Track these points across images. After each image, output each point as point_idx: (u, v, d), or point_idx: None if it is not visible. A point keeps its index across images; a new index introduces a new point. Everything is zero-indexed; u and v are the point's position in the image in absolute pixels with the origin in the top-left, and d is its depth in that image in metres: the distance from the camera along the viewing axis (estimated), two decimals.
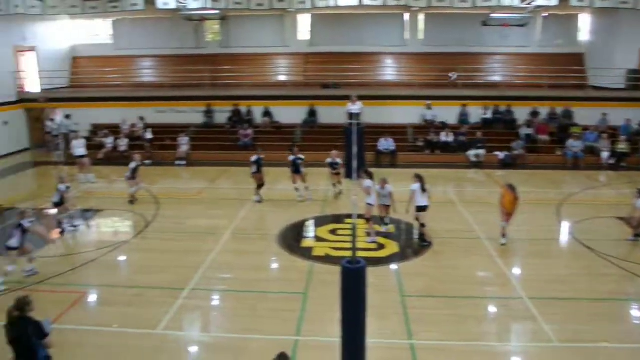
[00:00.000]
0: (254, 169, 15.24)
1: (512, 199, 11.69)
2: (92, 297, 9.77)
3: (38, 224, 11.01)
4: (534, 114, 22.30)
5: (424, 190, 11.97)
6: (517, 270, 10.91)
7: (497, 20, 21.18)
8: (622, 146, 20.25)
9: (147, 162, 19.48)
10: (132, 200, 15.28)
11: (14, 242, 10.07)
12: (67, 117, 22.75)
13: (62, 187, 13.06)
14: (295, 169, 15.59)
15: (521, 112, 22.48)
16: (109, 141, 21.47)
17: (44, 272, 10.56)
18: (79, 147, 18.07)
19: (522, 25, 21.68)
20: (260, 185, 15.40)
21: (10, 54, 23.26)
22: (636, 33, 22.21)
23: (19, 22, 22.58)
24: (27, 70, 24.41)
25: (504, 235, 11.93)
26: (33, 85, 24.71)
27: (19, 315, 5.86)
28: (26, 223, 10.12)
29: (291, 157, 15.63)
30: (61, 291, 9.81)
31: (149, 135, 21.97)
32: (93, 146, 20.85)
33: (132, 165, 15.29)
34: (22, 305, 5.93)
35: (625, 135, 20.67)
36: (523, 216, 12.71)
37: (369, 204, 12.23)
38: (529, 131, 21.56)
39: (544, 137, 21.42)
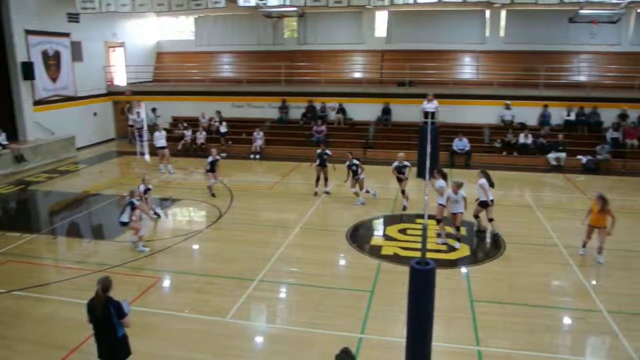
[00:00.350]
0: (317, 162, 15.58)
1: (597, 211, 10.82)
2: (166, 283, 10.21)
3: (143, 204, 12.31)
4: (623, 116, 20.99)
5: (491, 185, 11.85)
6: (597, 282, 10.32)
7: (585, 16, 20.09)
8: None
9: (222, 155, 20.09)
10: (214, 194, 15.65)
11: (124, 217, 11.33)
12: (154, 110, 23.90)
13: (141, 187, 13.24)
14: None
15: (608, 115, 21.22)
16: (187, 134, 22.29)
17: (122, 256, 11.21)
18: (160, 139, 18.91)
19: (613, 22, 20.46)
20: (318, 179, 15.70)
21: (102, 49, 24.76)
22: None
23: (110, 19, 23.98)
24: (116, 64, 25.87)
25: (584, 245, 11.28)
26: (121, 79, 26.14)
27: (102, 295, 6.21)
28: (135, 201, 11.38)
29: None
30: (139, 275, 10.32)
31: (223, 128, 22.65)
32: (172, 138, 21.75)
33: (210, 159, 15.70)
34: (105, 285, 6.28)
35: None
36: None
37: (440, 205, 11.98)
38: (616, 135, 20.32)
39: (633, 142, 20.12)
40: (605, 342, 8.16)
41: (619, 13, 19.65)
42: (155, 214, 13.87)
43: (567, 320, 8.89)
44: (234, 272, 10.39)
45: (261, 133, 21.93)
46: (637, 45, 23.74)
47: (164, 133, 19.26)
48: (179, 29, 28.94)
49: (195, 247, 12.17)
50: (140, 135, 24.39)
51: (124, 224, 11.41)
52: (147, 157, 22.09)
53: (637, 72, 21.82)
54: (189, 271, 10.65)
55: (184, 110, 24.25)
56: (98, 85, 24.41)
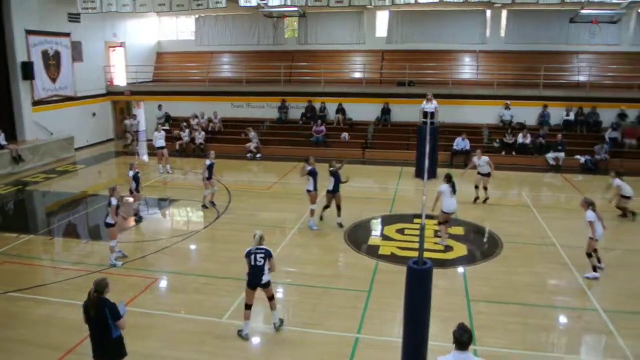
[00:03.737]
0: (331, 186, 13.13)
1: None
2: (163, 283, 10.22)
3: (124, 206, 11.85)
4: (622, 116, 20.98)
5: (454, 191, 11.68)
6: (593, 281, 10.30)
7: (586, 16, 20.07)
8: None
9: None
10: (206, 205, 14.58)
11: (109, 218, 10.68)
12: (160, 107, 23.95)
13: (130, 172, 13.37)
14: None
15: (607, 115, 21.20)
16: (185, 134, 22.30)
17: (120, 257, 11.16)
18: (159, 139, 18.88)
19: (613, 22, 20.44)
20: (327, 206, 13.43)
21: (102, 49, 24.79)
22: None
23: (110, 19, 24.01)
24: (115, 64, 25.90)
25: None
26: (120, 79, 26.17)
27: (98, 297, 6.20)
28: (113, 201, 10.68)
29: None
30: (135, 275, 10.33)
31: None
32: (171, 138, 21.77)
33: (207, 162, 14.48)
34: (101, 286, 6.26)
35: None
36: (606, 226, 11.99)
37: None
38: (615, 135, 20.31)
39: (631, 142, 20.09)
40: (601, 341, 8.17)
41: (620, 13, 19.63)
42: (138, 217, 13.68)
43: (563, 319, 8.89)
44: (232, 272, 10.38)
45: (253, 132, 21.86)
46: (637, 45, 23.70)
47: (163, 133, 19.24)
48: (179, 29, 28.96)
49: (193, 247, 12.18)
50: (138, 139, 24.37)
51: (109, 225, 10.76)
52: (145, 157, 22.12)
53: (636, 72, 21.80)
54: (186, 272, 10.66)
55: (184, 110, 24.23)
56: (97, 85, 24.43)
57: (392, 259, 11.14)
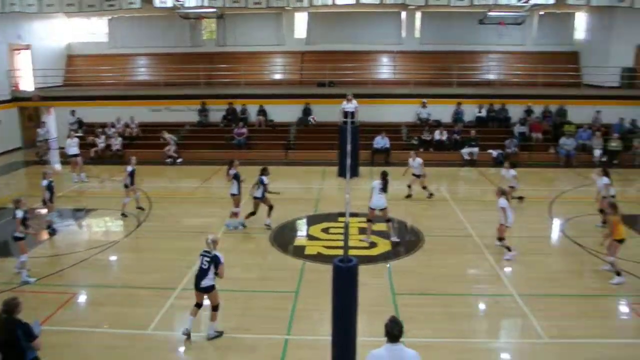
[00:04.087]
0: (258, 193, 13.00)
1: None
2: (82, 298, 9.75)
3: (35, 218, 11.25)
4: (528, 112, 22.33)
5: (383, 189, 11.89)
6: (508, 268, 10.90)
7: (494, 18, 21.18)
8: (615, 144, 20.36)
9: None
10: (125, 213, 14.06)
11: (18, 232, 10.11)
12: (72, 113, 22.77)
13: (44, 182, 12.76)
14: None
15: (515, 111, 22.54)
16: (100, 140, 21.40)
17: (33, 272, 10.47)
18: (72, 146, 18.00)
19: (518, 24, 21.70)
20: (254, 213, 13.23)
21: (5, 52, 23.21)
22: (632, 31, 22.31)
23: (14, 20, 22.56)
24: (21, 68, 24.37)
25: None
26: (27, 83, 24.65)
27: (7, 318, 5.82)
28: (19, 213, 10.08)
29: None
30: (51, 292, 9.78)
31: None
32: (86, 145, 20.84)
33: (129, 169, 14.06)
34: (11, 307, 5.87)
35: (618, 133, 20.75)
36: (515, 214, 12.71)
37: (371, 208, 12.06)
38: (523, 129, 21.59)
39: (538, 135, 21.46)
40: (517, 324, 8.70)
41: (523, 15, 20.85)
42: (51, 229, 12.94)
43: (482, 306, 9.35)
44: (156, 282, 10.11)
45: (168, 135, 21.34)
46: (540, 45, 25.41)
47: (76, 140, 18.36)
48: (91, 31, 27.68)
49: (113, 258, 11.71)
50: (50, 148, 23.05)
51: (17, 239, 10.15)
52: (57, 165, 20.98)
53: (540, 71, 23.25)
54: (107, 284, 10.22)
55: (99, 115, 23.16)
56: (1, 91, 22.89)
57: (319, 258, 11.25)
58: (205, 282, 7.92)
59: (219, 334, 8.19)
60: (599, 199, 12.95)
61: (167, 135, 21.17)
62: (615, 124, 21.43)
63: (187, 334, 7.98)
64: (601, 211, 12.93)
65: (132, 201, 14.38)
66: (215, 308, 8.07)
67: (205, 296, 8.04)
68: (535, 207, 14.83)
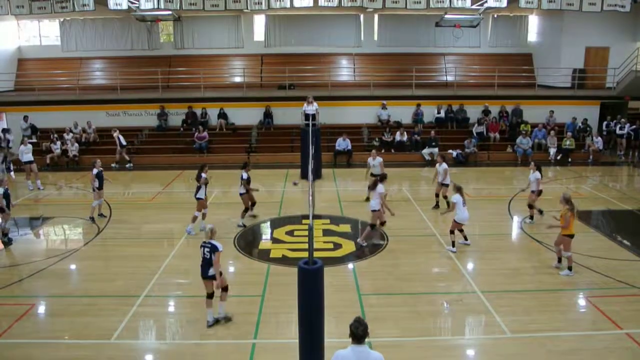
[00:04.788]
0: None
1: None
2: (41, 309, 9.41)
3: None
4: (486, 112, 22.86)
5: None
6: (470, 266, 11.13)
7: (449, 20, 21.61)
8: (568, 142, 21.06)
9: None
10: (93, 217, 13.87)
11: None
12: (25, 118, 21.99)
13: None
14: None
15: (473, 111, 23.03)
16: (56, 146, 20.79)
17: None
18: (25, 153, 17.40)
19: (473, 26, 22.19)
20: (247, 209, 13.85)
21: None
22: (581, 34, 23.15)
23: None
24: None
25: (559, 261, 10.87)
26: None
27: None
28: None
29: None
30: (7, 303, 9.44)
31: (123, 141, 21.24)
32: (40, 151, 20.20)
33: (95, 171, 13.75)
34: None
35: (570, 132, 21.51)
36: (476, 212, 13.02)
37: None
38: (481, 129, 22.09)
39: (495, 135, 22.01)
40: (481, 320, 8.84)
41: (478, 18, 21.34)
42: (7, 238, 12.48)
43: (447, 304, 9.48)
44: (117, 290, 9.88)
45: (115, 134, 20.68)
46: (494, 47, 26.14)
47: (30, 147, 17.76)
48: (42, 34, 26.84)
49: (72, 267, 11.35)
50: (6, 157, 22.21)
51: None
52: (12, 173, 20.24)
53: (495, 72, 23.84)
54: (67, 294, 9.91)
55: (54, 120, 22.43)
56: None
57: (284, 261, 11.23)
58: (211, 271, 8.42)
59: (229, 319, 8.65)
60: (528, 193, 13.44)
61: (115, 134, 20.62)
62: (568, 123, 22.21)
63: (213, 323, 8.52)
64: (530, 206, 13.42)
65: (97, 206, 14.04)
66: (224, 289, 8.63)
67: (214, 283, 8.50)
68: (495, 205, 15.18)
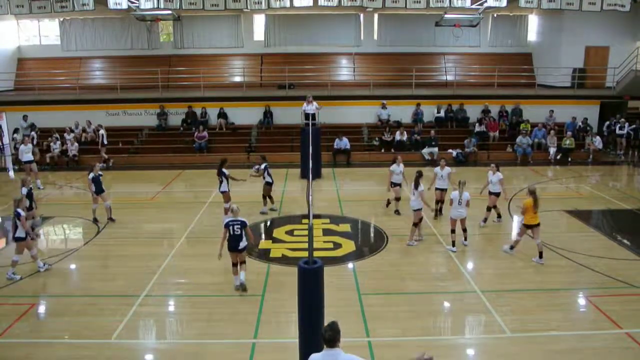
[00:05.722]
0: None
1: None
2: (41, 308, 9.42)
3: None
4: (485, 112, 22.86)
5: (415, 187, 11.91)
6: (470, 265, 11.14)
7: (449, 20, 21.60)
8: (568, 142, 21.06)
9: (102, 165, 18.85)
10: (96, 218, 13.83)
11: (20, 232, 10.37)
12: (25, 118, 21.99)
13: (23, 189, 12.52)
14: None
15: (473, 111, 23.03)
16: (56, 146, 20.78)
17: None
18: (26, 152, 17.40)
19: (473, 26, 22.19)
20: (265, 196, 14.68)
21: None
22: (581, 33, 23.16)
23: None
24: None
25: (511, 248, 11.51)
26: None
27: None
28: (22, 211, 10.43)
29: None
30: (8, 303, 9.44)
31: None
32: (40, 151, 20.18)
33: (91, 176, 13.55)
34: None
35: (570, 131, 21.51)
36: (477, 211, 13.00)
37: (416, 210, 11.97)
38: (481, 129, 22.08)
39: (495, 135, 22.01)
40: (481, 320, 8.84)
41: (478, 17, 21.35)
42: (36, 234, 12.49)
43: (447, 304, 9.49)
44: (118, 289, 9.88)
45: (101, 131, 20.77)
46: (494, 47, 26.14)
47: (30, 146, 17.75)
48: (42, 33, 26.83)
49: (73, 266, 11.35)
50: (2, 150, 22.26)
51: (20, 239, 10.40)
52: (11, 173, 20.26)
53: (494, 71, 23.84)
54: (67, 293, 9.92)
55: (53, 120, 22.42)
56: None
57: (284, 260, 11.24)
58: (242, 244, 9.53)
59: (246, 289, 9.61)
60: (486, 194, 13.35)
61: (100, 132, 20.56)
62: (568, 123, 22.22)
63: (240, 287, 9.62)
64: (493, 207, 13.37)
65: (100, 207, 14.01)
66: (243, 262, 9.72)
67: (237, 255, 9.59)
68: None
